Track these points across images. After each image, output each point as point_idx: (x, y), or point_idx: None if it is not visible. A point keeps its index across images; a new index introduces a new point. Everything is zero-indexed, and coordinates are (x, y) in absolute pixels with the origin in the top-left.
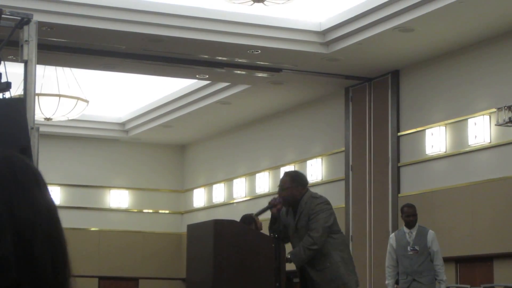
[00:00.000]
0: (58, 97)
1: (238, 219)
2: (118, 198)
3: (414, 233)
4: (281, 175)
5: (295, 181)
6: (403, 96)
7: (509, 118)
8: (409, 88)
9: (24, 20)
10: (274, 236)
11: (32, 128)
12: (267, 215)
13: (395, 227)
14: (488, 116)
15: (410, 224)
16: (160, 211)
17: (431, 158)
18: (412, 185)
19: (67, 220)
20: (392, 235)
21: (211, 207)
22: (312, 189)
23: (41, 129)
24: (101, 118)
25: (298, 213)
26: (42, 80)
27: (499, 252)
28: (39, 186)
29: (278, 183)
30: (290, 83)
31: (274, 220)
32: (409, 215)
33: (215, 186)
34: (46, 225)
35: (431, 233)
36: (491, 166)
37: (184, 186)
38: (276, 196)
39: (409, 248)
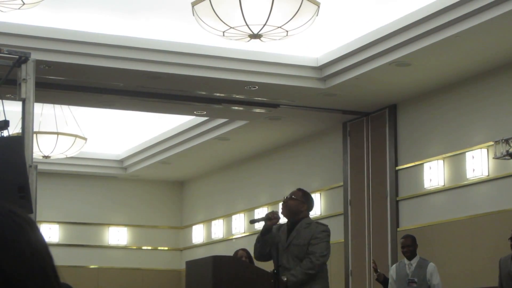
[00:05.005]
0: (56, 135)
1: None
2: (117, 235)
3: (413, 265)
4: (280, 210)
5: (305, 197)
6: (400, 130)
7: (507, 151)
8: (407, 122)
9: (22, 59)
10: (274, 272)
11: (31, 166)
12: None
13: (394, 261)
14: (486, 150)
15: (406, 256)
16: (159, 248)
17: (430, 192)
18: (411, 219)
19: (66, 258)
20: (392, 267)
21: (210, 243)
22: None
23: (40, 167)
24: (100, 156)
25: (296, 231)
26: (40, 118)
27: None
28: (30, 245)
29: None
30: (288, 119)
31: (265, 231)
32: (403, 246)
33: (214, 222)
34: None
35: (431, 266)
36: (489, 199)
37: (183, 222)
38: (274, 210)
39: (407, 280)
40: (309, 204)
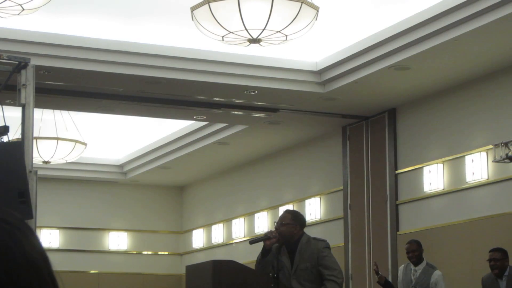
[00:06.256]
0: (56, 140)
1: (237, 259)
2: (117, 240)
3: (418, 272)
4: (280, 215)
5: (296, 219)
6: (400, 134)
7: (506, 154)
8: (406, 126)
9: (22, 64)
10: (273, 276)
11: (31, 172)
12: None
13: (394, 265)
14: (485, 153)
15: (412, 261)
16: (159, 253)
17: (429, 196)
18: (411, 223)
19: (66, 263)
20: (401, 267)
21: (210, 247)
22: (311, 228)
23: (40, 172)
24: (99, 161)
25: (298, 254)
26: (40, 123)
27: None
28: (24, 253)
29: (277, 220)
30: (287, 123)
31: (266, 252)
32: (408, 252)
33: (214, 227)
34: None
35: (436, 274)
36: (489, 202)
37: (183, 227)
38: (273, 230)
39: (410, 287)
40: (301, 223)
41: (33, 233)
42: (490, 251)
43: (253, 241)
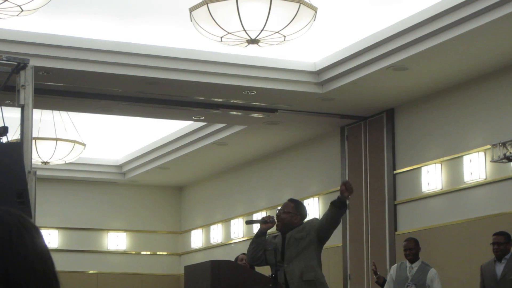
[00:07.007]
0: (55, 141)
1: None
2: (116, 241)
3: (415, 269)
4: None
5: (298, 209)
6: (398, 134)
7: (504, 154)
8: (404, 126)
9: (21, 65)
10: (272, 276)
11: (30, 172)
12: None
13: (392, 265)
14: (483, 153)
15: (409, 259)
16: (158, 253)
17: (428, 196)
18: (409, 223)
19: (65, 263)
20: (393, 266)
21: (209, 248)
22: None
23: (39, 172)
24: (98, 161)
25: (295, 229)
26: (39, 124)
27: None
28: (35, 249)
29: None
30: (286, 123)
31: (260, 234)
32: (406, 249)
33: (212, 227)
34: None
35: (432, 272)
36: (487, 202)
37: (181, 227)
38: (271, 215)
39: (406, 284)
40: (302, 214)
41: (42, 234)
42: (494, 234)
43: (250, 221)
